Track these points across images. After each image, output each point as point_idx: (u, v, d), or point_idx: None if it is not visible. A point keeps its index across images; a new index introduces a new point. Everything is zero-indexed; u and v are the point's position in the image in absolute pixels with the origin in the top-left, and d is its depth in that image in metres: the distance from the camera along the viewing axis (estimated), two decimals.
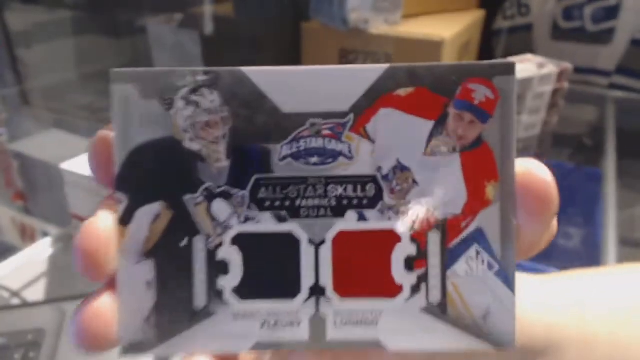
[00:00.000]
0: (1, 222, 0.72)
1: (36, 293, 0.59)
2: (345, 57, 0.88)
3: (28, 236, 0.68)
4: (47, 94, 0.96)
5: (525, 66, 0.82)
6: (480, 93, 0.14)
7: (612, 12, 1.00)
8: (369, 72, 0.14)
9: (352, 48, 0.87)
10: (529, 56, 0.87)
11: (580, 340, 0.20)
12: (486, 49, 1.05)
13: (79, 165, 0.60)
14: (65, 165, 0.59)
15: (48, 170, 0.65)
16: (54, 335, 0.46)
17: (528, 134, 0.85)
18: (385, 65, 0.14)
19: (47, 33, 0.94)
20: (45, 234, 0.65)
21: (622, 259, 0.55)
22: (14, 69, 0.88)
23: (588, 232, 0.66)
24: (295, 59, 0.92)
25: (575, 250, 0.62)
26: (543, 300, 0.20)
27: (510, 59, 0.85)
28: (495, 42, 1.10)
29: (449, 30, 0.83)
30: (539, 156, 0.81)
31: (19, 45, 0.90)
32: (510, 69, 0.14)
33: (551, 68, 0.81)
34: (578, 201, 0.74)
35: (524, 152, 0.82)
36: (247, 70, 0.14)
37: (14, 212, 0.71)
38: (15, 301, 0.56)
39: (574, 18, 1.03)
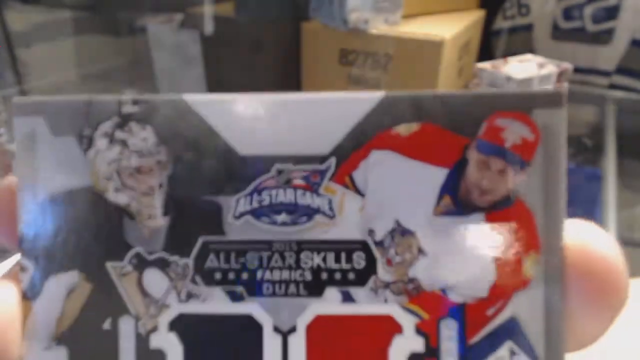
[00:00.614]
0: None
1: None
2: (345, 57, 0.88)
3: None
4: (47, 94, 0.95)
5: (526, 66, 0.82)
6: (513, 132, 0.10)
7: (612, 12, 1.00)
8: (358, 103, 0.11)
9: (352, 48, 0.87)
10: (529, 56, 0.87)
11: None
12: (486, 49, 1.05)
13: None
14: None
15: None
16: None
17: None
18: (381, 94, 0.11)
19: (47, 33, 0.94)
20: None
21: None
22: (13, 69, 0.89)
23: None
24: (295, 59, 0.92)
25: None
26: None
27: (511, 59, 0.85)
28: (495, 42, 1.11)
29: (449, 31, 0.84)
30: None
31: (18, 45, 0.90)
32: (556, 99, 0.10)
33: (551, 68, 0.81)
34: (578, 201, 0.74)
35: None
36: (191, 98, 0.11)
37: None
38: None
39: (574, 18, 1.03)
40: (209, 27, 0.88)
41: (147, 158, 0.11)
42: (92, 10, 0.97)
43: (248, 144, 0.11)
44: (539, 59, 0.86)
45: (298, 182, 0.11)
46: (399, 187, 0.11)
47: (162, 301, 0.11)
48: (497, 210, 0.11)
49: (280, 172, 0.11)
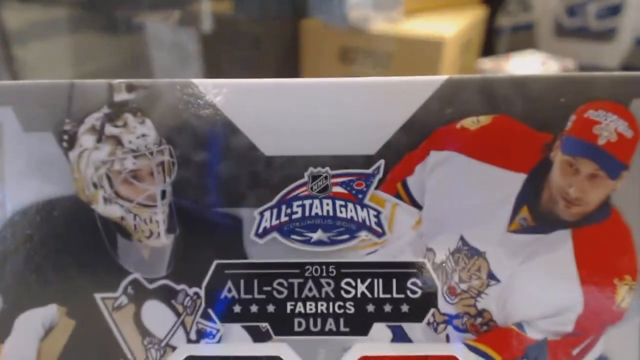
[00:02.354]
0: None
1: None
2: (345, 55, 0.87)
3: None
4: None
5: (528, 64, 0.81)
6: (608, 127, 0.08)
7: (615, 10, 0.99)
8: (413, 88, 0.08)
9: (352, 46, 0.86)
10: (531, 54, 0.86)
11: None
12: (488, 47, 1.04)
13: None
14: None
15: None
16: None
17: None
18: (443, 77, 0.09)
19: (43, 31, 0.93)
20: None
21: None
22: (10, 68, 0.88)
23: None
24: (294, 58, 0.91)
25: None
26: None
27: (513, 56, 0.84)
28: (497, 39, 1.10)
29: (451, 28, 0.83)
30: None
31: (15, 43, 0.89)
32: None
33: (554, 66, 0.80)
34: None
35: None
36: (203, 83, 0.08)
37: None
38: None
39: (577, 16, 1.02)
40: (207, 25, 0.87)
41: (147, 160, 0.09)
42: (90, 8, 0.96)
43: (275, 141, 0.09)
44: (541, 56, 0.85)
45: (337, 190, 0.09)
46: (464, 197, 0.09)
47: (166, 341, 0.09)
48: (588, 225, 0.09)
49: (315, 177, 0.09)
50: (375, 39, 0.83)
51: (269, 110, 0.09)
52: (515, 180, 0.08)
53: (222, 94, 0.08)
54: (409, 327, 0.09)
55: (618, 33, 1.00)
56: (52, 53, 0.93)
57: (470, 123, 0.08)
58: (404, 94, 0.09)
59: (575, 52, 1.01)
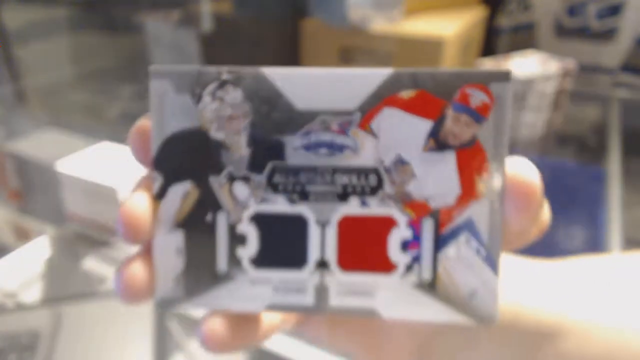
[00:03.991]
0: None
1: (31, 293, 0.59)
2: (345, 55, 0.87)
3: (23, 236, 0.67)
4: (43, 93, 0.95)
5: (528, 64, 0.81)
6: (476, 98, 0.15)
7: (616, 10, 0.99)
8: (375, 76, 0.16)
9: (352, 46, 0.86)
10: (531, 54, 0.86)
11: (584, 328, 0.21)
12: (489, 47, 1.04)
13: (75, 164, 0.59)
14: (61, 165, 0.58)
15: (44, 170, 0.64)
16: (49, 338, 0.46)
17: (531, 132, 0.84)
18: (390, 70, 0.16)
19: (43, 31, 0.94)
20: (41, 234, 0.64)
21: None
22: (9, 67, 0.88)
23: (591, 232, 0.65)
24: (294, 58, 0.91)
25: (579, 250, 0.61)
26: (547, 288, 0.21)
27: (514, 56, 0.84)
28: (497, 39, 1.10)
29: (451, 28, 0.83)
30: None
31: (15, 43, 0.89)
32: (506, 76, 0.15)
33: (555, 66, 0.80)
34: (581, 201, 0.73)
35: (526, 151, 0.81)
36: (267, 70, 0.16)
37: (9, 211, 0.71)
38: (10, 302, 0.55)
39: (577, 15, 1.02)
40: (207, 25, 0.87)
41: (237, 109, 0.16)
42: (90, 8, 0.96)
43: (302, 101, 0.16)
44: (542, 56, 0.84)
45: (334, 127, 0.16)
46: (401, 132, 0.16)
47: (244, 203, 0.16)
48: (463, 148, 0.16)
49: (322, 121, 0.16)
50: (375, 38, 0.83)
51: (300, 85, 0.16)
52: (427, 124, 0.16)
53: (276, 75, 0.16)
54: (368, 200, 0.16)
55: (618, 33, 1.00)
56: (52, 52, 0.93)
57: (404, 94, 0.16)
58: (371, 77, 0.16)
59: (576, 52, 1.01)
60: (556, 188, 0.77)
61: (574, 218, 0.67)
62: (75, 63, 0.97)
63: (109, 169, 0.58)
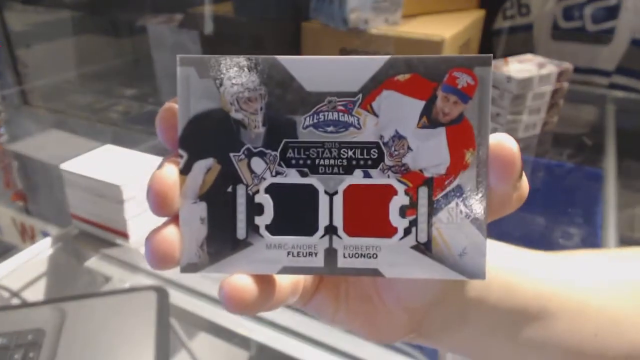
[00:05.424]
0: (1, 222, 0.71)
1: (36, 293, 0.59)
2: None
3: (28, 236, 0.68)
4: (46, 94, 0.96)
5: (526, 66, 0.82)
6: (463, 80, 0.17)
7: (612, 12, 1.00)
8: (374, 61, 0.18)
9: (352, 48, 0.87)
10: (529, 56, 0.87)
11: (572, 309, 0.22)
12: (486, 49, 1.05)
13: (79, 165, 0.59)
14: (65, 165, 0.59)
15: (48, 170, 0.65)
16: (54, 336, 0.46)
17: (528, 133, 0.85)
18: (387, 57, 0.18)
19: (47, 33, 0.94)
20: (45, 234, 0.65)
21: None
22: (14, 69, 0.88)
23: (588, 231, 0.66)
24: None
25: (575, 249, 0.62)
26: (538, 270, 0.22)
27: (511, 59, 0.85)
28: (495, 42, 1.10)
29: (449, 31, 0.84)
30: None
31: (19, 45, 0.90)
32: (487, 61, 0.17)
33: (551, 68, 0.81)
34: (578, 201, 0.74)
35: (523, 151, 0.82)
36: (280, 57, 0.18)
37: (13, 212, 0.71)
38: (15, 301, 0.56)
39: (574, 18, 1.03)
40: (208, 27, 0.88)
41: (254, 92, 0.18)
42: (92, 11, 0.97)
43: (312, 84, 0.18)
44: (539, 58, 0.85)
45: (340, 108, 0.18)
46: (397, 111, 0.18)
47: (261, 176, 0.18)
48: (452, 125, 0.18)
49: (330, 101, 0.18)
50: (374, 40, 0.84)
51: (310, 69, 0.18)
52: (420, 104, 0.18)
53: (289, 62, 0.18)
54: (371, 171, 0.18)
55: (615, 35, 1.01)
56: (55, 54, 0.94)
57: (400, 77, 0.17)
58: (371, 63, 0.18)
59: (573, 54, 1.02)
60: (553, 188, 0.78)
61: (570, 218, 0.68)
62: (79, 65, 0.97)
63: (113, 169, 0.58)
